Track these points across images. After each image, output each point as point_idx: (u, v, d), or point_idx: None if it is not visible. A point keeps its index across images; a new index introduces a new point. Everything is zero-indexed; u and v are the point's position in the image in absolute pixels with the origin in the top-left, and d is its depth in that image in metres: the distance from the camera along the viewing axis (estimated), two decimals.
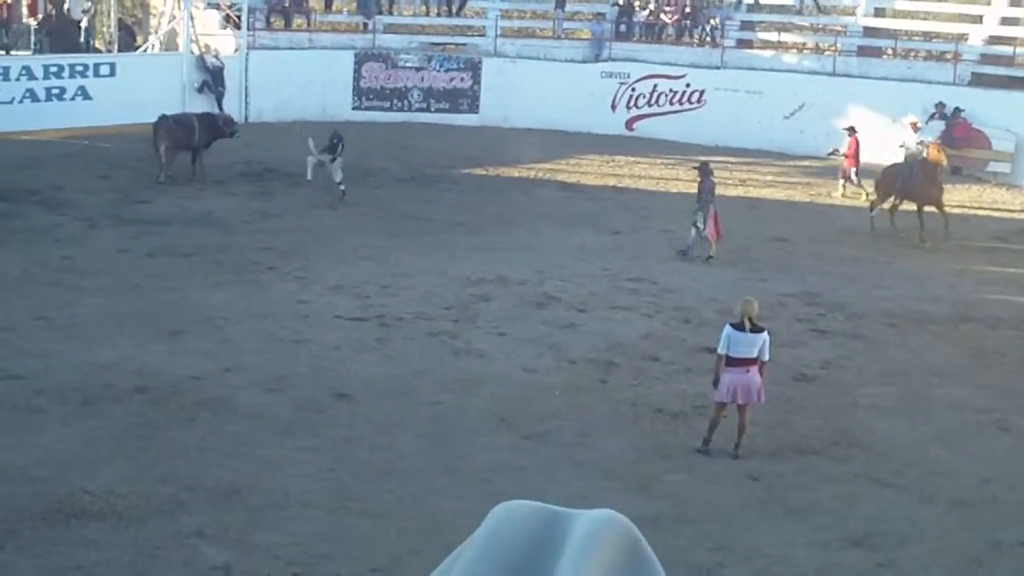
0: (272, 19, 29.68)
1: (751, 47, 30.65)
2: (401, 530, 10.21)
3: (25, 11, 28.13)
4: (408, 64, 29.25)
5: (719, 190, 20.26)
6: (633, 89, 29.34)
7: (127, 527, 9.99)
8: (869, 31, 30.25)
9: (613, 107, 29.34)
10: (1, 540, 9.67)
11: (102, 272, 17.22)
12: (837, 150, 24.55)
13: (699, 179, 19.63)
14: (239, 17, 27.94)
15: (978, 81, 27.55)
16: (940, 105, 26.36)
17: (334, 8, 30.97)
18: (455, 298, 16.76)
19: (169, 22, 28.36)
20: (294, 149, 22.50)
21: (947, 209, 21.42)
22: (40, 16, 27.81)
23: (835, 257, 19.98)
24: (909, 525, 10.90)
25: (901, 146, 23.29)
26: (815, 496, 11.42)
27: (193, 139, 22.83)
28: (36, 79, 25.38)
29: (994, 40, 28.72)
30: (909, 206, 21.32)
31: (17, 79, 25.15)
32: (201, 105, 25.57)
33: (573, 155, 26.61)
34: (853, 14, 30.44)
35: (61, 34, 27.50)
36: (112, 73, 26.18)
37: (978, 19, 29.52)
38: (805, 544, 10.48)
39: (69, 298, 15.92)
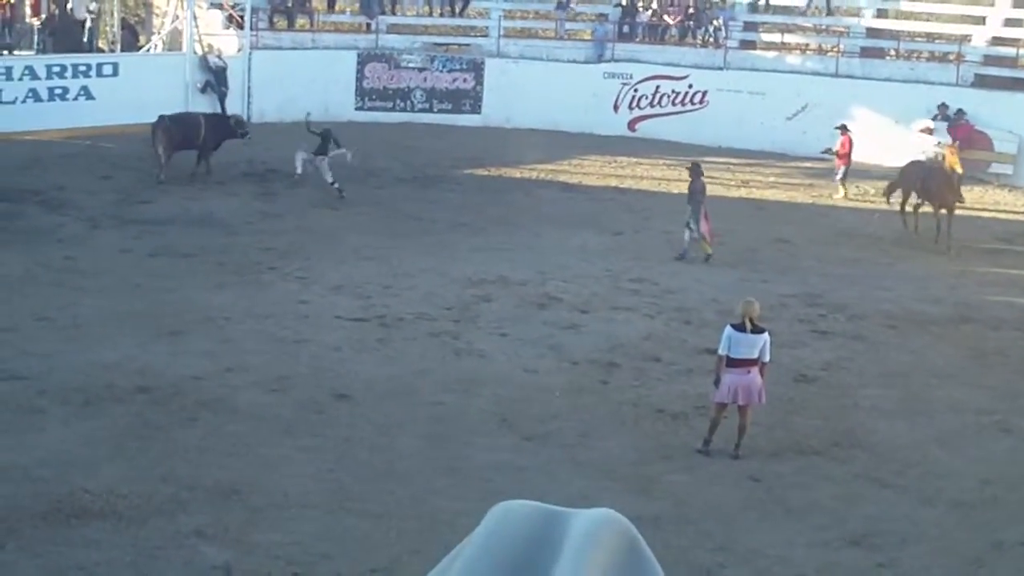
0: (275, 19, 29.69)
1: (754, 48, 30.62)
2: (401, 530, 10.22)
3: (28, 11, 28.12)
4: (411, 64, 29.25)
5: (720, 191, 20.29)
6: (636, 90, 29.32)
7: (127, 527, 10.00)
8: (872, 32, 30.23)
9: (615, 108, 29.32)
10: (2, 539, 9.69)
11: (104, 272, 17.24)
12: (830, 149, 24.53)
13: (690, 179, 19.65)
14: (242, 17, 27.94)
15: (981, 82, 27.52)
16: (943, 106, 26.33)
17: (337, 8, 30.95)
18: (456, 299, 16.76)
19: (172, 22, 28.35)
20: (296, 149, 22.47)
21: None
22: (43, 16, 27.82)
23: (836, 258, 19.96)
24: (909, 526, 10.90)
25: (922, 154, 23.09)
26: (816, 497, 11.42)
27: (198, 139, 22.82)
28: (39, 79, 25.37)
29: (997, 41, 28.69)
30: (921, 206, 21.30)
31: (20, 79, 25.14)
32: (204, 105, 25.59)
33: (575, 156, 26.60)
34: (857, 15, 30.43)
35: (64, 34, 27.50)
36: (115, 73, 26.17)
37: (981, 20, 29.49)
38: (805, 544, 10.49)
39: (71, 298, 15.93)
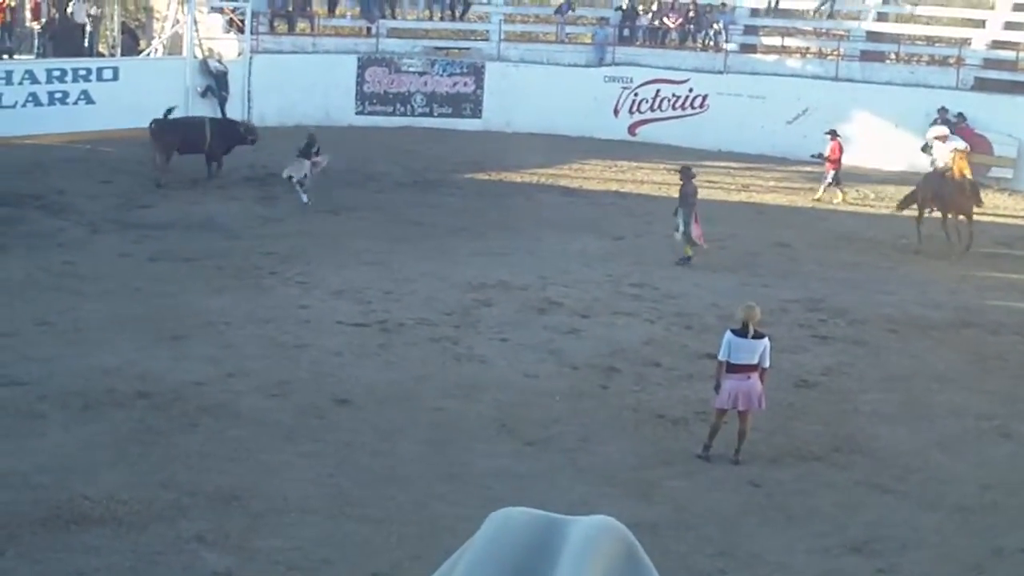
0: (275, 23, 29.72)
1: (754, 52, 30.65)
2: (402, 536, 10.23)
3: (29, 15, 28.15)
4: (411, 69, 29.27)
5: (721, 195, 20.28)
6: (636, 94, 29.34)
7: (128, 533, 10.00)
8: (872, 36, 30.25)
9: (616, 112, 29.35)
10: (2, 546, 9.68)
11: (104, 277, 17.24)
12: (820, 153, 24.45)
13: (681, 182, 19.61)
14: (242, 21, 27.96)
15: (981, 86, 27.54)
16: (943, 110, 26.32)
17: (337, 12, 30.97)
18: (457, 303, 16.77)
19: (173, 26, 28.37)
20: (296, 152, 22.48)
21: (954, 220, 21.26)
22: (44, 20, 27.84)
23: (837, 263, 19.96)
24: (910, 531, 10.90)
25: (934, 162, 23.00)
26: (816, 502, 11.42)
27: (203, 143, 22.84)
28: (39, 83, 25.39)
29: (997, 45, 28.73)
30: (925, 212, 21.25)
31: (20, 83, 25.16)
32: (204, 110, 25.61)
33: (576, 160, 26.62)
34: (857, 19, 30.45)
35: (64, 38, 27.52)
36: (115, 77, 26.18)
37: (981, 24, 29.52)
38: (806, 550, 10.49)
39: (71, 303, 15.94)
